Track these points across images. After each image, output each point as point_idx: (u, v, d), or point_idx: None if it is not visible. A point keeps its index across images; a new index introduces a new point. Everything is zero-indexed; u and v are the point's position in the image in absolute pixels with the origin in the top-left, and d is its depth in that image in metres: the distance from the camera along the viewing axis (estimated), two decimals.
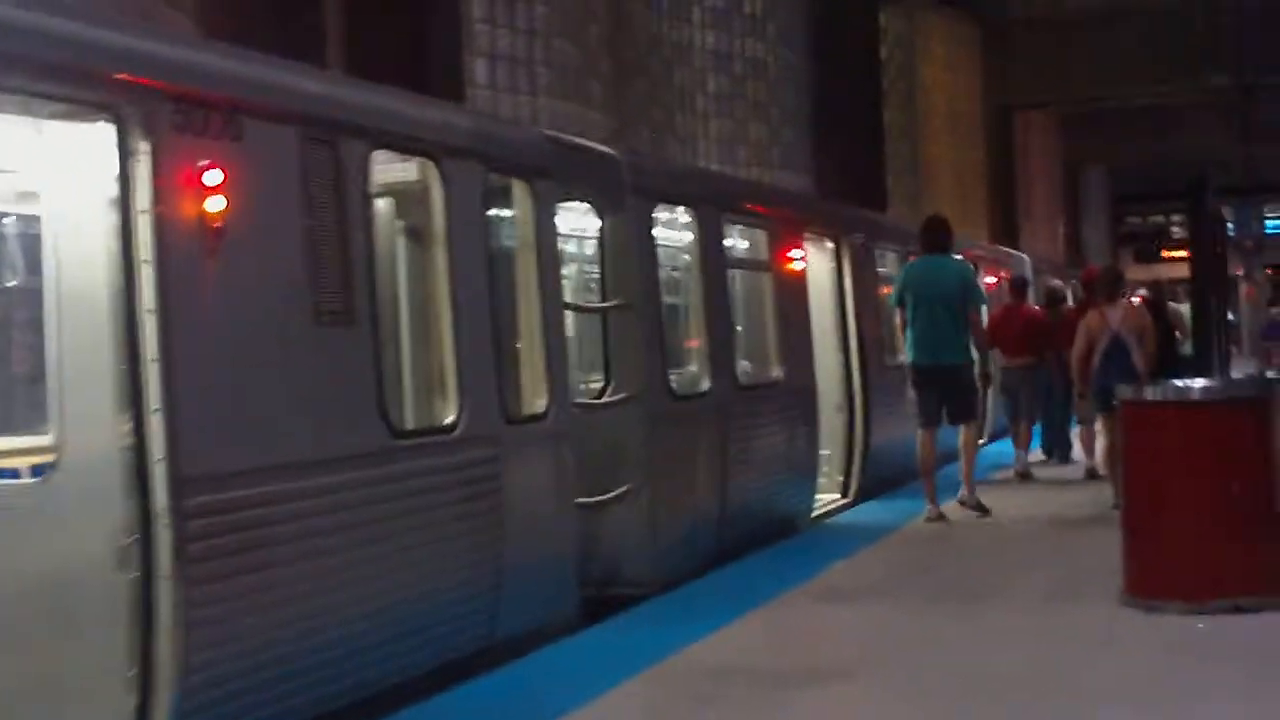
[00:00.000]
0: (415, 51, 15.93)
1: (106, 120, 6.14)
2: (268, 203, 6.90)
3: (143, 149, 6.19)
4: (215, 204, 6.49)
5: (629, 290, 10.66)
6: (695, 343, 12.29)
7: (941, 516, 13.26)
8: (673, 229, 12.10)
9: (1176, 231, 49.72)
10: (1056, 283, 20.76)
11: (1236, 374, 19.21)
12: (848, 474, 15.12)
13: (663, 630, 9.21)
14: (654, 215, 11.20)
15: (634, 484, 10.47)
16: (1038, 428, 17.57)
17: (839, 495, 15.01)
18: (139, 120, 6.18)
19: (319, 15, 14.91)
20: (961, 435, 13.68)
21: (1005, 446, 18.23)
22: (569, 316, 11.12)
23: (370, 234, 7.63)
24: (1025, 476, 16.59)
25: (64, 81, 5.94)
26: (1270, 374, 27.10)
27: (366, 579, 7.31)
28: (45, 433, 6.84)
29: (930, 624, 9.26)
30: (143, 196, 6.20)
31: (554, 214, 9.73)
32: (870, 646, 8.86)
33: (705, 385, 11.86)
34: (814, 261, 14.68)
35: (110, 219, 6.22)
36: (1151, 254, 48.70)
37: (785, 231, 13.69)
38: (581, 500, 9.89)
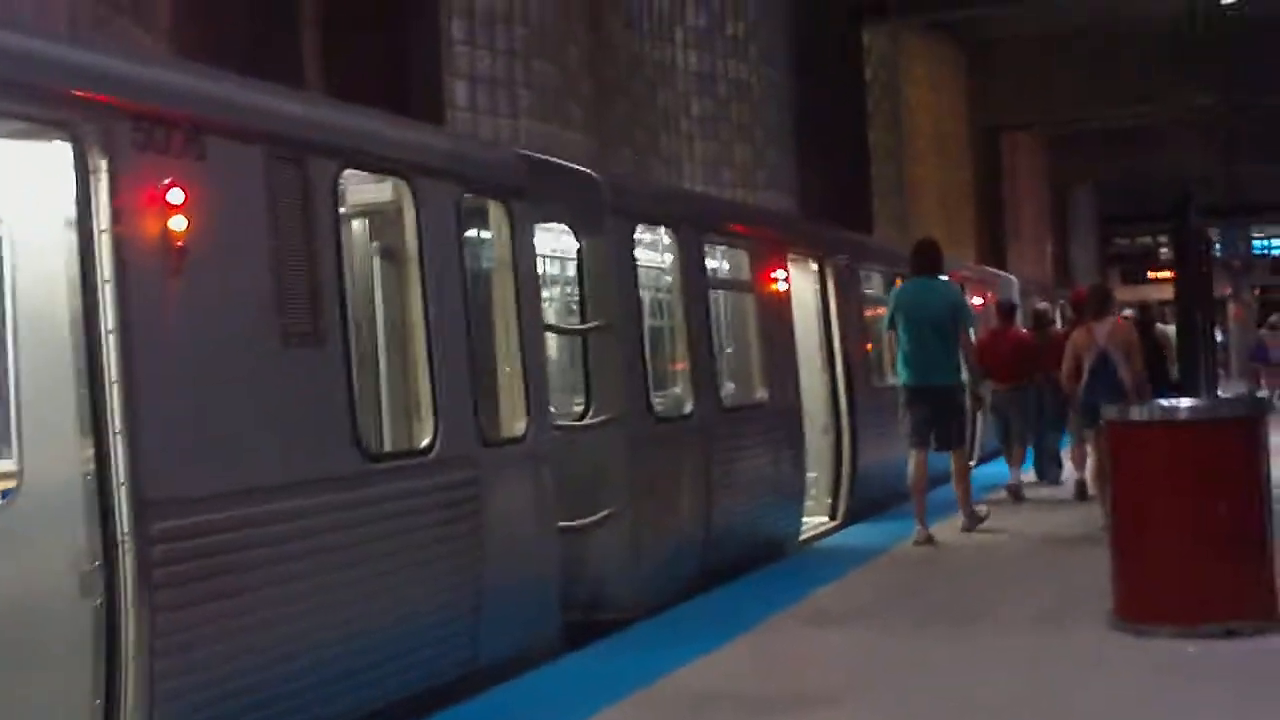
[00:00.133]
0: (394, 73, 15.82)
1: (63, 139, 5.99)
2: (233, 222, 6.75)
3: (101, 167, 6.05)
4: (178, 223, 6.33)
5: (609, 311, 10.52)
6: (678, 364, 12.16)
7: (930, 539, 13.13)
8: (654, 250, 11.97)
9: (1165, 253, 49.73)
10: (1043, 305, 20.74)
11: (1224, 394, 19.09)
12: (835, 496, 14.98)
13: (647, 655, 9.06)
14: (634, 236, 11.07)
15: (616, 507, 10.32)
16: (1029, 450, 17.45)
17: (827, 518, 14.86)
18: (97, 138, 6.03)
19: (296, 36, 14.80)
20: (953, 462, 13.57)
21: (996, 467, 18.12)
22: (554, 338, 11.02)
23: (340, 254, 7.47)
24: (1017, 497, 16.51)
25: (18, 99, 5.79)
26: (1260, 394, 27.09)
27: (340, 605, 7.14)
28: (6, 457, 6.67)
29: (918, 647, 9.11)
30: (102, 216, 6.05)
31: (532, 235, 9.59)
32: (858, 671, 8.70)
33: (688, 407, 11.72)
34: (798, 283, 14.55)
35: (70, 239, 6.07)
36: (1139, 275, 48.73)
37: (768, 252, 13.57)
38: (564, 524, 9.74)
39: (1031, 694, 7.87)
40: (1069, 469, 16.72)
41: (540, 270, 11.33)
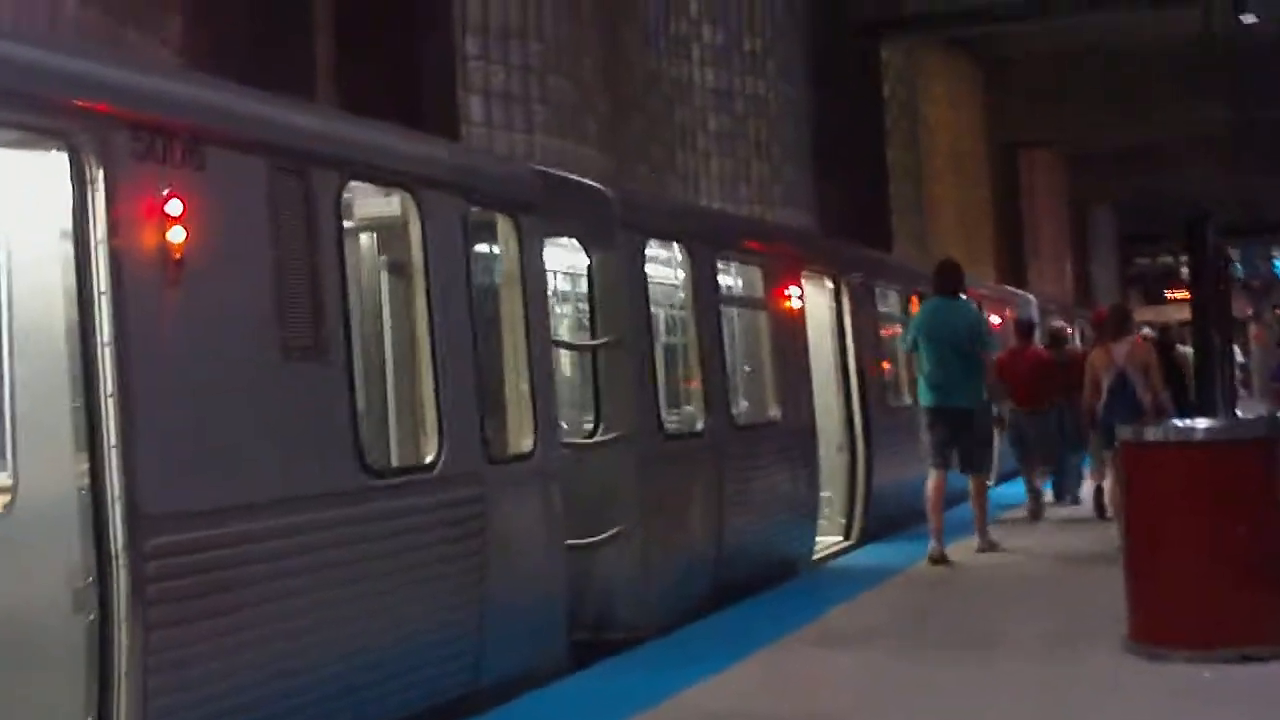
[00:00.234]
0: (407, 88, 15.74)
1: (60, 148, 5.91)
2: (233, 234, 6.66)
3: (98, 178, 5.96)
4: (176, 235, 6.24)
5: (619, 327, 10.41)
6: (689, 382, 12.05)
7: (945, 558, 13.00)
8: (665, 266, 11.86)
9: (1186, 272, 49.43)
10: (1059, 323, 20.64)
11: (1244, 415, 18.90)
12: (850, 516, 14.84)
13: (655, 675, 8.95)
14: (645, 251, 10.96)
15: (626, 525, 10.21)
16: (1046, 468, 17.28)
17: (841, 537, 14.72)
18: (94, 148, 5.95)
19: (308, 51, 14.73)
20: (971, 485, 13.45)
21: (1014, 488, 17.96)
22: (567, 355, 10.92)
23: (343, 267, 7.37)
24: (1035, 516, 16.42)
25: (13, 107, 5.70)
26: None
27: (339, 622, 7.03)
28: (2, 469, 6.57)
29: (930, 670, 8.98)
30: (99, 227, 5.96)
31: (541, 249, 9.49)
32: (867, 694, 8.58)
33: (700, 425, 11.61)
34: (813, 300, 14.44)
35: (66, 250, 5.98)
36: (1160, 294, 48.51)
37: (782, 269, 13.46)
38: (572, 542, 9.62)
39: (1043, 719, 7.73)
40: (1087, 490, 16.59)
41: (554, 286, 11.31)
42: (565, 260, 10.99)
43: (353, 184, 7.80)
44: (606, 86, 21.36)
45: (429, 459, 8.03)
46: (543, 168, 10.26)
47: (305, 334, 6.99)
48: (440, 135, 13.66)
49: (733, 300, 13.14)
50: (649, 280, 11.09)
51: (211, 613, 6.27)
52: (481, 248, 9.14)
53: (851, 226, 25.33)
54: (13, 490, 6.36)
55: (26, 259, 6.19)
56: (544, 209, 9.50)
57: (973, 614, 10.98)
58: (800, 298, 13.68)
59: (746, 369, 13.61)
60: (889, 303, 17.26)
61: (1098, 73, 36.45)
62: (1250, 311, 42.90)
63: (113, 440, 5.90)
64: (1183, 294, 38.67)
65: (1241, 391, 33.00)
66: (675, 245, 11.64)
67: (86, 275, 5.95)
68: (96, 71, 6.22)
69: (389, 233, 8.56)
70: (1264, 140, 36.87)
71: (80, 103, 5.97)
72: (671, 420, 11.63)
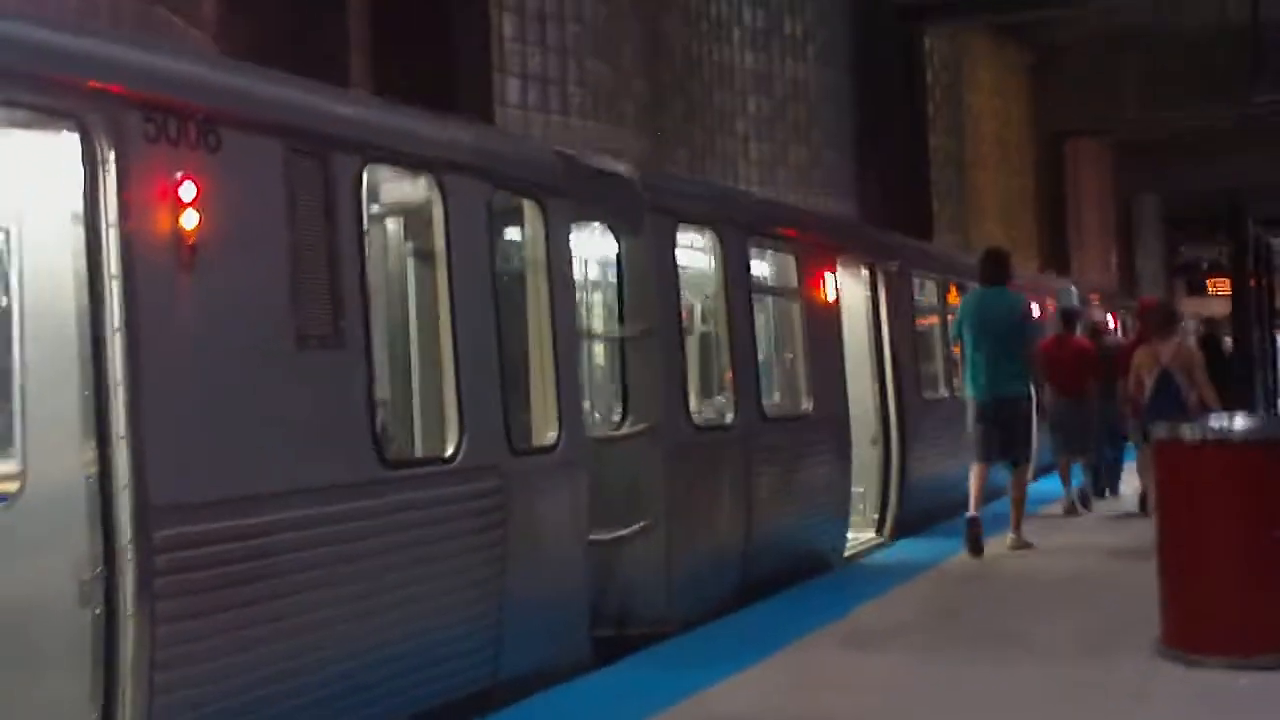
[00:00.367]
0: (443, 70, 15.59)
1: (70, 129, 5.77)
2: (248, 218, 6.52)
3: (109, 159, 5.83)
4: (189, 219, 6.11)
5: (648, 316, 10.23)
6: (719, 372, 11.86)
7: (977, 522, 12.88)
8: (696, 252, 11.67)
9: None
10: (1098, 315, 20.46)
11: None
12: (883, 510, 14.62)
13: (676, 673, 8.79)
14: (675, 237, 10.76)
15: (652, 519, 10.04)
16: (1078, 465, 17.06)
17: (874, 532, 14.52)
18: (105, 129, 5.82)
19: (343, 32, 14.59)
20: (1013, 479, 13.27)
21: (1051, 482, 17.73)
22: (601, 344, 10.75)
23: (363, 253, 7.22)
24: (1072, 511, 16.24)
25: (23, 87, 5.58)
26: None
27: (353, 617, 6.90)
28: (9, 458, 6.46)
29: (957, 673, 8.78)
30: (109, 210, 5.83)
31: (567, 235, 9.31)
32: (891, 695, 8.39)
33: (729, 417, 11.42)
34: (847, 288, 14.20)
35: (76, 233, 5.85)
36: (1202, 285, 47.97)
37: (816, 256, 13.23)
38: (596, 536, 9.46)
39: None
40: (1130, 484, 16.43)
41: (585, 274, 11.15)
42: (597, 247, 10.82)
43: (374, 168, 7.68)
44: (645, 69, 21.18)
45: (449, 450, 7.88)
46: (570, 151, 10.06)
47: (322, 322, 6.85)
48: (476, 118, 13.54)
49: (765, 288, 12.92)
50: (679, 267, 10.90)
51: (221, 607, 6.15)
52: (506, 233, 8.99)
53: (891, 213, 25.10)
54: (21, 478, 6.25)
55: (36, 242, 6.07)
56: (571, 193, 9.33)
57: (1004, 613, 10.77)
58: (835, 286, 13.46)
59: (778, 360, 13.41)
60: (926, 292, 17.02)
61: (1147, 60, 36.01)
62: None
63: (121, 429, 5.78)
64: (1223, 285, 38.27)
65: None
66: (707, 231, 11.44)
67: (97, 259, 5.83)
68: (108, 51, 6.08)
69: (413, 218, 8.43)
70: None
71: (92, 83, 5.85)
72: (700, 412, 11.45)
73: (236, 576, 6.21)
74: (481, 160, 8.42)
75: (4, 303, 6.40)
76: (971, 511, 13.04)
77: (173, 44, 7.74)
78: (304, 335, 6.75)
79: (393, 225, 8.64)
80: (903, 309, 15.36)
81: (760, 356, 12.33)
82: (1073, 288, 25.37)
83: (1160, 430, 9.36)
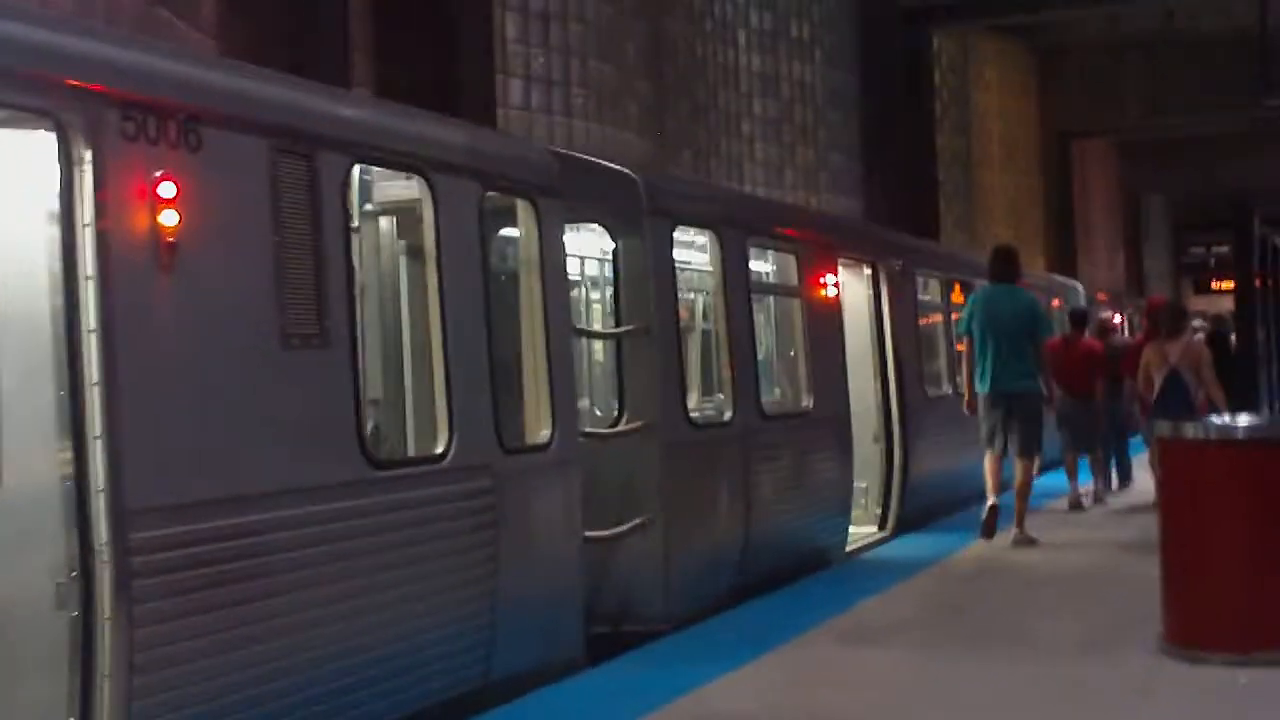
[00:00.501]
0: (446, 70, 15.56)
1: (46, 128, 5.72)
2: (231, 218, 6.45)
3: (86, 158, 5.77)
4: (169, 218, 6.04)
5: (644, 315, 10.18)
6: (717, 370, 11.80)
7: (995, 509, 13.11)
8: (695, 251, 11.62)
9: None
10: (1105, 314, 20.52)
11: None
12: (885, 506, 14.58)
13: (672, 671, 8.71)
14: (673, 237, 10.71)
15: (648, 517, 9.98)
16: (1084, 460, 17.04)
17: (876, 528, 14.46)
18: (82, 127, 5.75)
19: (344, 32, 14.55)
20: (1018, 471, 13.21)
21: (1057, 479, 17.69)
22: (597, 344, 10.70)
23: (349, 253, 7.16)
24: (1077, 506, 16.27)
25: None
26: None
27: (340, 618, 6.83)
28: None
29: (957, 670, 8.70)
30: (86, 209, 5.77)
31: (560, 234, 9.26)
32: (890, 693, 8.33)
33: (727, 414, 11.36)
34: (849, 287, 14.17)
35: (52, 233, 5.80)
36: (1209, 284, 47.86)
37: (817, 256, 13.18)
38: (592, 534, 9.41)
39: None
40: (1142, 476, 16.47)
41: (584, 272, 11.11)
42: (597, 246, 10.78)
43: (362, 167, 7.63)
44: (649, 70, 21.12)
45: (439, 449, 7.82)
46: (564, 151, 10.02)
47: (307, 322, 6.78)
48: (479, 119, 13.49)
49: (765, 287, 12.88)
50: (677, 266, 10.85)
51: (202, 609, 6.07)
52: (498, 233, 8.93)
53: (898, 213, 25.06)
54: None
55: (11, 241, 6.00)
56: (565, 193, 9.27)
57: (1006, 609, 10.70)
58: (836, 285, 13.41)
59: (778, 357, 13.36)
60: (930, 290, 16.97)
61: (1153, 62, 35.92)
62: None
63: (97, 430, 5.72)
64: (1227, 283, 38.12)
65: None
66: (705, 231, 11.39)
67: (72, 259, 5.76)
68: (86, 48, 6.00)
69: (404, 217, 8.37)
70: None
71: (68, 80, 5.77)
72: (698, 410, 11.39)
73: (217, 579, 6.14)
74: (473, 160, 8.36)
75: None
76: (990, 499, 13.25)
77: (153, 41, 7.65)
78: (289, 335, 6.69)
79: (384, 224, 8.59)
80: (906, 307, 15.31)
81: (760, 355, 12.27)
82: (1079, 287, 25.31)
83: (1163, 429, 9.28)
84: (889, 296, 14.80)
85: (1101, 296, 27.57)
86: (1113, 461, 17.69)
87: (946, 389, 16.36)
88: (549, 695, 8.18)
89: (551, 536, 8.79)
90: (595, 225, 10.37)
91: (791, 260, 12.91)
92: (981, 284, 14.43)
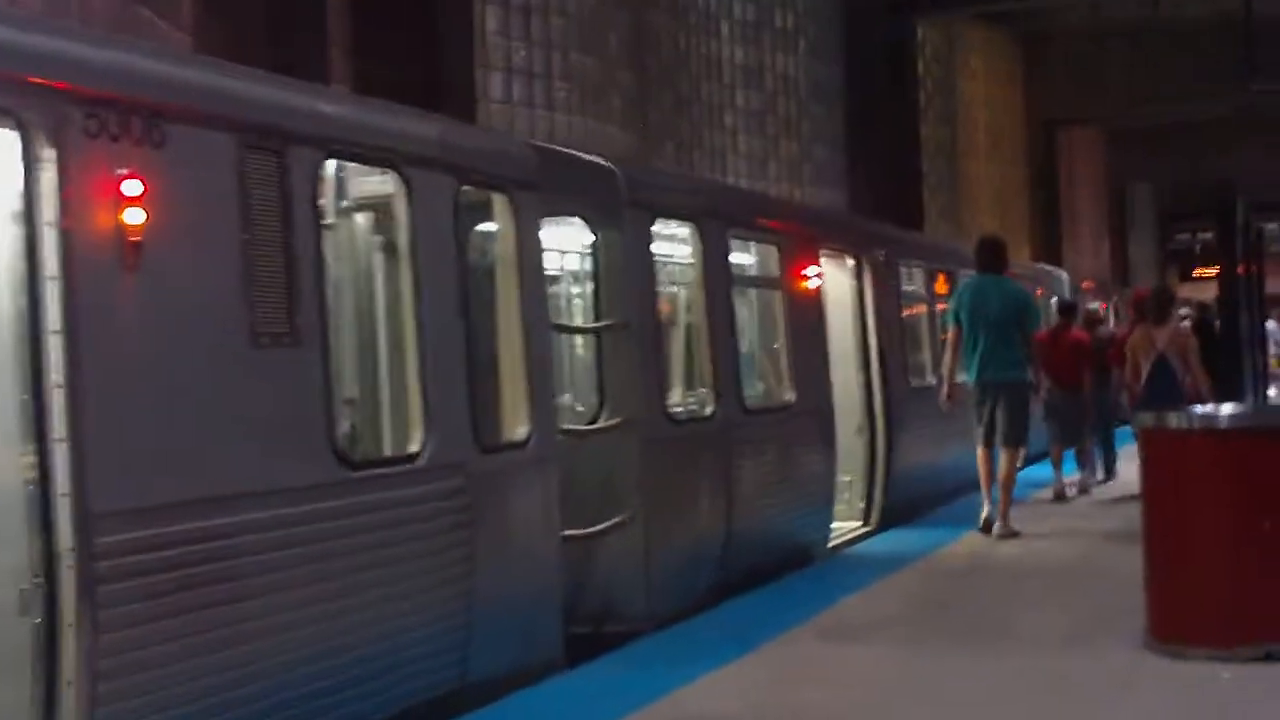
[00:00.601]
0: (426, 65, 15.44)
1: (7, 126, 5.61)
2: (198, 215, 6.35)
3: (48, 157, 5.67)
4: (134, 216, 5.94)
5: (624, 309, 10.08)
6: (698, 365, 11.71)
7: (990, 522, 13.18)
8: (675, 244, 11.52)
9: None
10: (1092, 305, 20.51)
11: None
12: (869, 500, 14.49)
13: (652, 671, 8.64)
14: (652, 230, 10.61)
15: (628, 514, 9.89)
16: (1070, 451, 17.00)
17: (859, 522, 14.38)
18: (44, 126, 5.65)
19: (323, 31, 14.43)
20: (1003, 461, 13.15)
21: (1043, 470, 17.65)
22: (582, 338, 10.61)
23: (320, 249, 7.06)
24: (1061, 497, 16.27)
25: None
26: None
27: (312, 621, 6.74)
28: None
29: (940, 667, 8.63)
30: (48, 209, 5.67)
31: (538, 229, 9.15)
32: (875, 691, 8.25)
33: (708, 409, 11.27)
34: (832, 279, 14.08)
35: (14, 233, 5.70)
36: (1190, 273, 47.82)
37: (799, 247, 13.09)
38: (570, 532, 9.31)
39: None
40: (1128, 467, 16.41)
41: (564, 267, 11.00)
42: (578, 240, 10.68)
43: (334, 162, 7.53)
44: (632, 63, 21.00)
45: (413, 448, 7.72)
46: (543, 144, 9.91)
47: (277, 320, 6.68)
48: (460, 114, 13.36)
49: (746, 280, 12.79)
50: (657, 259, 10.75)
51: (170, 614, 5.97)
52: (474, 228, 8.83)
53: (883, 204, 24.95)
54: None
55: None
56: (543, 187, 9.17)
57: (990, 604, 10.62)
58: (818, 276, 13.32)
59: (760, 351, 13.28)
60: (914, 281, 16.89)
61: (1139, 50, 35.87)
62: None
63: (60, 433, 5.62)
64: (1210, 271, 38.09)
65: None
66: (685, 223, 11.29)
67: (35, 259, 5.67)
68: (47, 45, 5.90)
69: (380, 214, 8.27)
70: None
71: (30, 78, 5.67)
72: (678, 404, 11.30)
73: (185, 582, 6.04)
74: (447, 154, 8.26)
75: None
76: (986, 504, 13.35)
77: (116, 38, 7.56)
78: (258, 333, 6.59)
79: (361, 221, 8.49)
80: (889, 298, 15.23)
81: (742, 348, 12.17)
82: (1064, 275, 25.26)
83: (1146, 418, 9.20)
84: (872, 287, 14.72)
85: (1087, 285, 27.51)
86: (1098, 452, 17.65)
87: (930, 380, 16.28)
88: (527, 698, 8.09)
89: (529, 536, 8.69)
90: (574, 219, 10.24)
91: (773, 252, 12.82)
92: (966, 274, 14.36)
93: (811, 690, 8.46)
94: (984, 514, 13.34)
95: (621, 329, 10.07)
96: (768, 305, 13.12)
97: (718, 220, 11.62)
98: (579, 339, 10.86)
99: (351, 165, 8.01)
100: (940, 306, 16.73)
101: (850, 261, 14.61)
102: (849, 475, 14.20)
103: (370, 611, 7.09)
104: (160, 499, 5.96)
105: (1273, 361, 23.73)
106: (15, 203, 5.71)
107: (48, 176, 5.69)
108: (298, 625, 6.63)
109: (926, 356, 16.81)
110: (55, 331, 5.65)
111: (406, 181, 7.83)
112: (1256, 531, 8.30)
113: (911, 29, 29.37)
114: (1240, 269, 14.49)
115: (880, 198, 25.77)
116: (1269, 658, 8.06)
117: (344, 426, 7.48)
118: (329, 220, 7.91)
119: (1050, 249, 35.55)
